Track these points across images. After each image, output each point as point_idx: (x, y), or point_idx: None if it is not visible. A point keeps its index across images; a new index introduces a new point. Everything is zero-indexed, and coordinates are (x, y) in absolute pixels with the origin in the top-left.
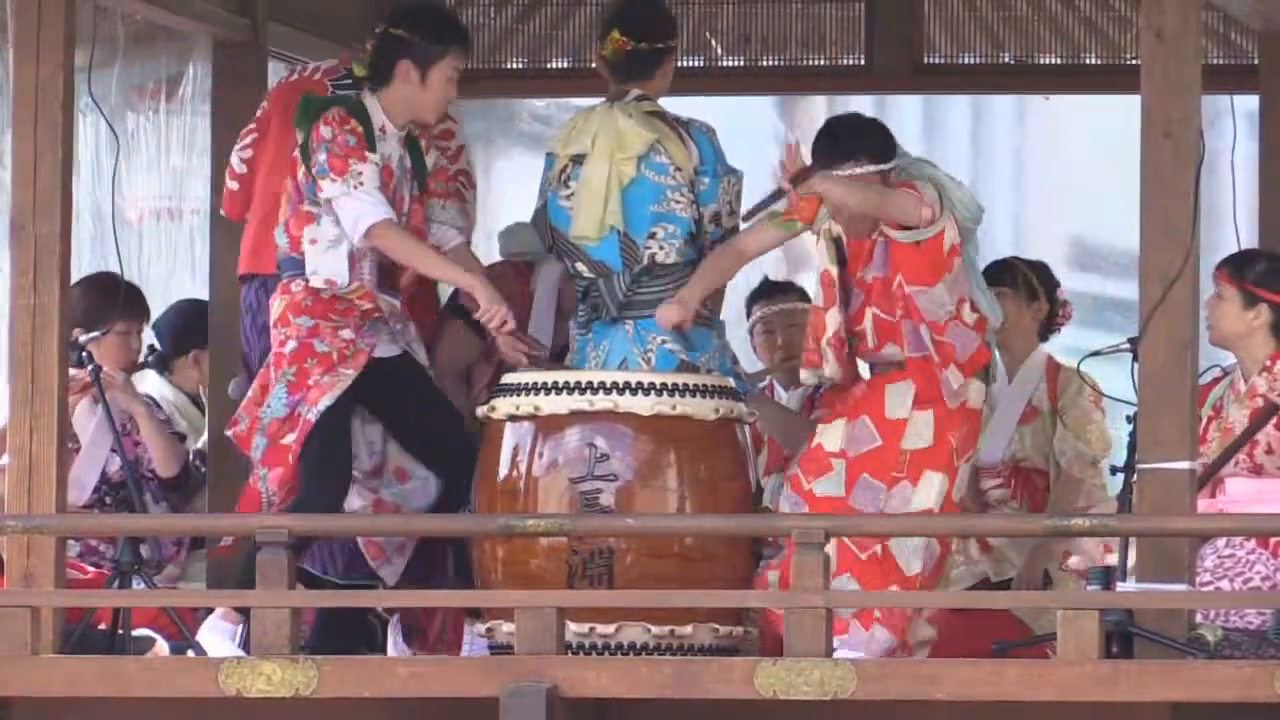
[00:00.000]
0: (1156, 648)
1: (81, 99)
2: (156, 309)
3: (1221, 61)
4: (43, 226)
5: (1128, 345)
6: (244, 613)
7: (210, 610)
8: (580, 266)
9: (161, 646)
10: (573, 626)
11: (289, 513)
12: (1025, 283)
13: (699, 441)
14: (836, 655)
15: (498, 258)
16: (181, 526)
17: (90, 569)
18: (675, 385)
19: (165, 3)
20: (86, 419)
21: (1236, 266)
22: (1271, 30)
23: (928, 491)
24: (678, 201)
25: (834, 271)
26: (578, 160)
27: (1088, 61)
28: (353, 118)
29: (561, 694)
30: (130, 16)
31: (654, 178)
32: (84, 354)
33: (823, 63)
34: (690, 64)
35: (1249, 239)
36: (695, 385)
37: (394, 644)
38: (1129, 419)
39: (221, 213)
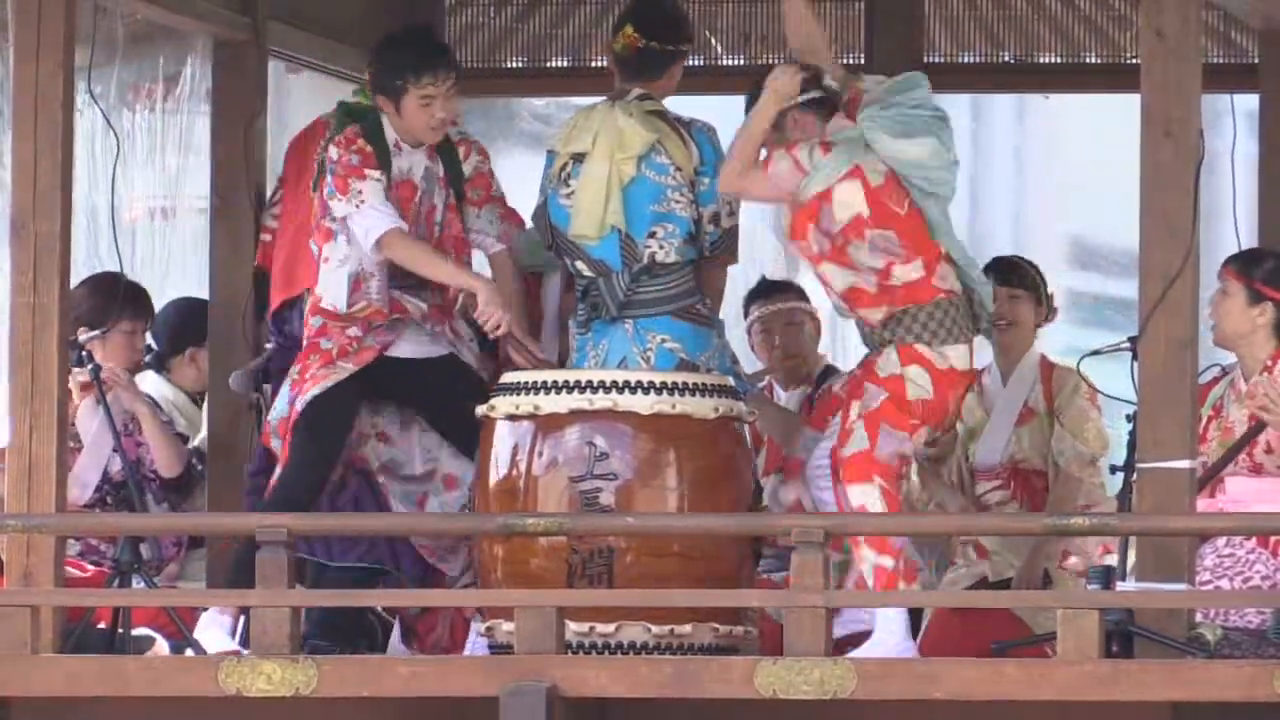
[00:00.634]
0: (1156, 647)
1: (79, 97)
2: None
3: (1221, 61)
4: (43, 226)
5: (1128, 344)
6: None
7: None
8: (580, 265)
9: (161, 645)
10: (572, 626)
11: (271, 504)
12: (1036, 286)
13: (699, 440)
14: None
15: None
16: (181, 526)
17: (90, 567)
18: (675, 384)
19: (166, 2)
20: (89, 418)
21: (1243, 263)
22: (1271, 29)
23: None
24: (678, 201)
25: None
26: (578, 158)
27: (1088, 61)
28: (361, 136)
29: (561, 693)
30: (130, 16)
31: (654, 177)
32: (84, 353)
33: None
34: (690, 63)
35: (1249, 238)
36: (695, 384)
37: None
38: (1129, 418)
39: (255, 263)
